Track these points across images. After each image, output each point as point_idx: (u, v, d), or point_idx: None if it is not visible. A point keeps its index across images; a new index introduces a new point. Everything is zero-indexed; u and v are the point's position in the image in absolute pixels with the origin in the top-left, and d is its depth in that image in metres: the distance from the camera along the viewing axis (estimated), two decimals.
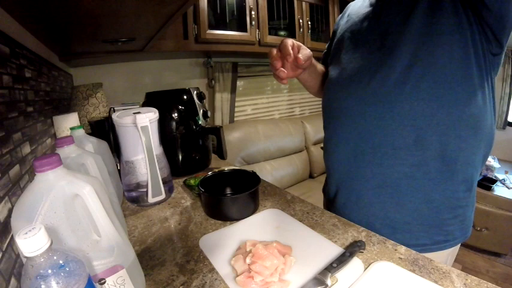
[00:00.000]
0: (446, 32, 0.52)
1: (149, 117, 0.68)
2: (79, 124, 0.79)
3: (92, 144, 0.64)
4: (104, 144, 0.73)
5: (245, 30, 1.56)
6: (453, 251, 0.64)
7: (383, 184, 0.60)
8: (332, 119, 0.70)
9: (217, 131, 0.97)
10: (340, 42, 0.72)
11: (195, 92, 0.99)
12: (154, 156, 0.70)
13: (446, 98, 0.54)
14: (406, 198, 0.59)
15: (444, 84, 0.53)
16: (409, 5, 0.56)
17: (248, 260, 0.46)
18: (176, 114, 0.91)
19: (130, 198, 0.76)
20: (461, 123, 0.55)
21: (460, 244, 0.65)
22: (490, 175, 1.95)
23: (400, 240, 0.54)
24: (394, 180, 0.59)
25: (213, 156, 1.06)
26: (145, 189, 0.72)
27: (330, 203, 0.75)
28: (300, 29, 1.81)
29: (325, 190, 0.81)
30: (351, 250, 0.49)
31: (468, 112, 0.55)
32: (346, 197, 0.68)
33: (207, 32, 1.39)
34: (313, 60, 0.73)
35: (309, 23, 1.86)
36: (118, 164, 0.82)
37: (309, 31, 1.87)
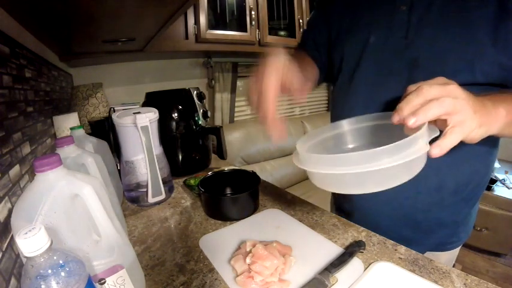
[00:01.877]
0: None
1: (149, 117, 0.68)
2: (79, 124, 0.79)
3: (92, 144, 0.63)
4: (104, 144, 0.73)
5: (245, 30, 1.56)
6: (456, 250, 0.66)
7: (399, 215, 0.61)
8: None
9: (217, 131, 0.97)
10: (351, 52, 0.62)
11: (195, 92, 0.99)
12: (154, 156, 0.70)
13: (471, 151, 0.53)
14: (420, 223, 0.61)
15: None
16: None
17: (248, 260, 0.46)
18: (176, 114, 0.91)
19: (130, 198, 0.76)
20: (478, 158, 0.56)
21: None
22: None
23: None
24: (411, 214, 0.61)
25: (213, 156, 1.06)
26: (145, 189, 0.72)
27: (339, 209, 0.75)
28: (300, 29, 1.81)
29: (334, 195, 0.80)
30: (351, 250, 0.49)
31: (487, 147, 0.55)
32: (361, 219, 0.66)
33: (207, 32, 1.39)
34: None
35: None
36: (118, 164, 0.82)
37: None
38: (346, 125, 0.48)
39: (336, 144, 0.48)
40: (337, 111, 0.69)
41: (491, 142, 0.54)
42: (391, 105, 0.52)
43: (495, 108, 0.39)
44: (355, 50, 0.61)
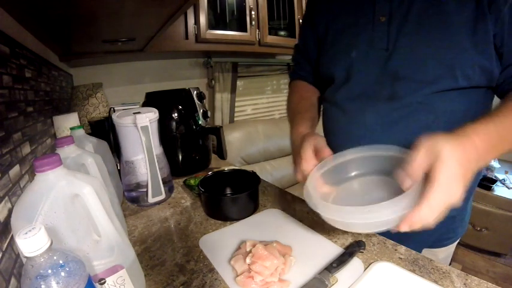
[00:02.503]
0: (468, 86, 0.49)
1: (149, 117, 0.68)
2: (79, 124, 0.79)
3: (92, 144, 0.63)
4: (104, 144, 0.73)
5: (245, 30, 1.56)
6: (453, 245, 0.67)
7: None
8: None
9: (217, 131, 0.97)
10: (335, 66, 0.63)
11: (195, 92, 0.99)
12: (154, 156, 0.70)
13: None
14: None
15: None
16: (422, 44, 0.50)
17: (248, 260, 0.46)
18: (176, 114, 0.91)
19: (130, 198, 0.76)
20: None
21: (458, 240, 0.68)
22: (490, 175, 1.94)
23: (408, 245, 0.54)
24: None
25: (213, 156, 1.06)
26: (145, 189, 0.72)
27: None
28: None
29: None
30: (351, 250, 0.49)
31: None
32: None
33: (207, 32, 1.39)
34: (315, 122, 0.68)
35: None
36: (118, 164, 0.82)
37: None
38: (348, 155, 0.53)
39: (340, 172, 0.53)
40: (326, 124, 0.70)
41: None
42: (377, 121, 0.55)
43: (481, 162, 0.40)
44: (341, 67, 0.61)
